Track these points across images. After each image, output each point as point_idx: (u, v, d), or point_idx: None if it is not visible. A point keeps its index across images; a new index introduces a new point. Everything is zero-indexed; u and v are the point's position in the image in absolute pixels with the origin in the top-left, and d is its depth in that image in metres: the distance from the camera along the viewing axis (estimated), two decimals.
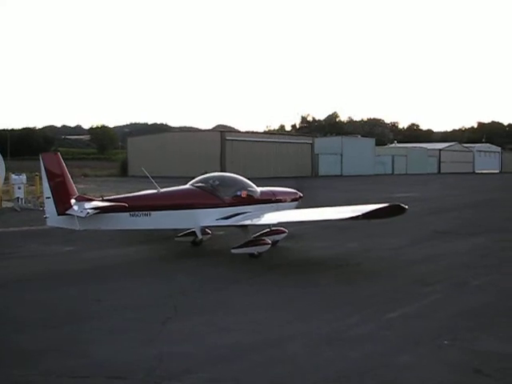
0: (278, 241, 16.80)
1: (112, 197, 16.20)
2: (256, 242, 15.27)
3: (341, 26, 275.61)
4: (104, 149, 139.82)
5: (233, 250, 14.92)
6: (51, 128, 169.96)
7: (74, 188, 14.90)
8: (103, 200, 15.10)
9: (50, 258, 15.58)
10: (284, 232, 16.79)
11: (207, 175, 17.40)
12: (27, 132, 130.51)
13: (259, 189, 17.53)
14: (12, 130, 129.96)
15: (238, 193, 16.72)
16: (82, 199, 14.47)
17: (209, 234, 17.56)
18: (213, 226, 16.66)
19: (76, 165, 78.46)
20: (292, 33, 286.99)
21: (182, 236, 17.13)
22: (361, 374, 7.10)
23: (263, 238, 15.51)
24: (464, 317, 9.74)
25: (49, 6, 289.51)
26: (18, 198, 28.46)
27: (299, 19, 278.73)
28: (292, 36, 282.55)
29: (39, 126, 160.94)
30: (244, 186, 17.14)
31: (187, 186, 16.89)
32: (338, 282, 12.37)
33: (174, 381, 6.83)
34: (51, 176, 14.39)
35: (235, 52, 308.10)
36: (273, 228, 16.04)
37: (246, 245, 15.04)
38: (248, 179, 17.93)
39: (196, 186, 16.68)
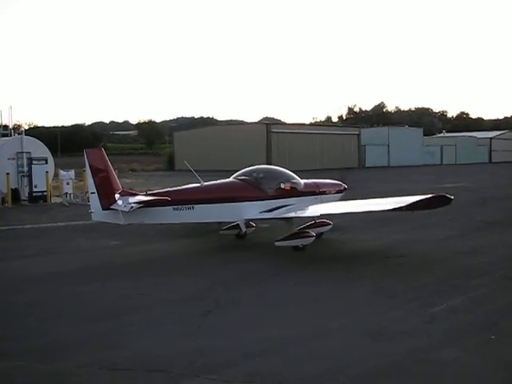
0: (322, 233, 16.69)
1: (156, 191, 16.33)
2: (300, 234, 15.16)
3: (386, 15, 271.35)
4: (151, 143, 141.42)
5: (276, 243, 14.85)
6: (100, 124, 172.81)
7: (119, 183, 15.11)
8: (147, 194, 15.23)
9: (96, 253, 15.85)
10: (329, 224, 16.66)
11: (250, 168, 17.36)
12: (76, 128, 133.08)
13: (303, 181, 17.41)
14: (62, 126, 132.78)
15: (282, 185, 16.64)
16: (126, 194, 14.65)
17: (253, 226, 17.54)
18: (256, 219, 16.62)
19: (124, 160, 79.91)
20: (337, 23, 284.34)
21: (226, 229, 17.17)
22: (401, 370, 6.94)
23: (307, 230, 15.38)
24: None
25: (98, 6, 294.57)
26: (66, 193, 29.10)
27: (347, 10, 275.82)
28: (338, 26, 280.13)
29: (88, 122, 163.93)
30: (287, 179, 17.04)
31: (230, 179, 16.91)
32: (382, 275, 12.13)
33: (213, 374, 6.82)
34: (95, 171, 14.61)
35: (282, 44, 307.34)
36: (317, 220, 15.91)
37: (290, 237, 14.95)
38: (292, 171, 17.83)
39: (239, 179, 16.68)
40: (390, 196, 16.54)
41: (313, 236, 15.11)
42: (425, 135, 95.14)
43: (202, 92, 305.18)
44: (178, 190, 16.01)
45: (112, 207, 14.18)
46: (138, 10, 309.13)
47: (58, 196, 30.95)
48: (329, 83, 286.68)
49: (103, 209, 14.33)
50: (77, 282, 12.13)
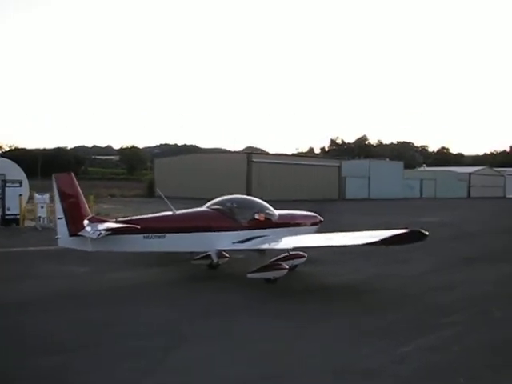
0: (296, 265, 16.36)
1: (126, 218, 15.97)
2: (273, 266, 14.83)
3: (371, 49, 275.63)
4: (133, 169, 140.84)
5: (249, 275, 14.51)
6: (82, 148, 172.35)
7: (87, 209, 14.75)
8: (117, 221, 14.85)
9: (63, 280, 15.38)
10: (303, 257, 16.36)
11: (224, 197, 17.07)
12: (58, 152, 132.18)
13: (277, 212, 17.14)
14: (44, 149, 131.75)
15: (256, 216, 16.37)
16: (94, 220, 14.29)
17: (227, 257, 17.19)
18: (229, 250, 16.28)
19: (104, 185, 79.41)
20: (321, 56, 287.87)
21: (198, 259, 16.78)
22: None
23: (280, 262, 15.06)
24: (485, 353, 9.17)
25: (78, 26, 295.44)
26: (39, 217, 28.52)
27: (330, 40, 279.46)
28: (322, 59, 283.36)
29: (71, 145, 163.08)
30: (262, 209, 16.77)
31: (203, 208, 16.60)
32: (352, 311, 11.85)
33: None
34: (64, 196, 14.25)
35: (268, 75, 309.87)
36: (291, 252, 15.64)
37: (263, 269, 14.62)
38: (272, 201, 17.57)
39: (212, 209, 16.38)
40: (367, 229, 16.33)
41: (286, 268, 14.78)
42: (406, 169, 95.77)
43: (186, 120, 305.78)
44: (149, 217, 15.67)
45: (80, 233, 13.79)
46: (123, 32, 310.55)
47: (32, 219, 30.38)
48: (313, 115, 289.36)
49: (70, 235, 13.93)
50: (37, 310, 11.68)
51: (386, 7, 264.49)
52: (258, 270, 14.59)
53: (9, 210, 29.18)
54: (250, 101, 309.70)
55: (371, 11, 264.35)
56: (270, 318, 11.27)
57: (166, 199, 16.19)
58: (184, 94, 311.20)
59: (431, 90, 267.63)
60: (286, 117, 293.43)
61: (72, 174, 14.87)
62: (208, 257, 16.15)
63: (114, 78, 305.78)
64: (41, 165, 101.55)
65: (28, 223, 29.74)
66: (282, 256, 15.45)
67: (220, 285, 14.72)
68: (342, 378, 7.81)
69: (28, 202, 32.03)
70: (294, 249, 15.14)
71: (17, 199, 29.03)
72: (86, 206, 14.85)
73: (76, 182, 14.58)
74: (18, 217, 29.29)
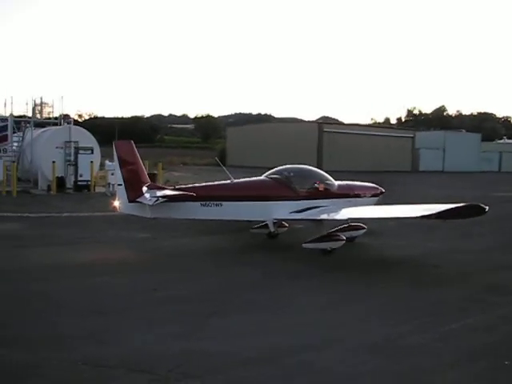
0: (355, 237, 16.13)
1: (185, 186, 16.15)
2: (330, 237, 14.67)
3: (450, 15, 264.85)
4: (208, 138, 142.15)
5: (304, 245, 14.43)
6: (158, 117, 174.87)
7: (147, 176, 15.00)
8: (175, 189, 15.05)
9: (123, 245, 15.86)
10: (363, 228, 16.11)
11: (283, 167, 16.96)
12: (135, 120, 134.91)
13: (337, 182, 16.90)
14: (121, 118, 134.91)
15: (315, 185, 16.22)
16: (153, 187, 14.54)
17: (286, 227, 17.16)
18: (285, 220, 16.23)
19: (178, 153, 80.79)
20: (399, 23, 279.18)
21: (257, 228, 16.84)
22: None
23: (338, 233, 14.88)
24: None
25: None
26: (109, 183, 29.32)
27: (408, 8, 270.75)
28: (400, 26, 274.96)
29: (147, 114, 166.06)
30: (320, 179, 16.58)
31: (261, 177, 16.57)
32: (407, 285, 11.59)
33: (194, 379, 6.54)
34: (124, 164, 14.55)
35: (345, 46, 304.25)
36: (351, 223, 15.42)
37: (319, 240, 14.48)
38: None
39: (270, 178, 16.33)
40: (432, 202, 15.82)
41: (343, 239, 14.59)
42: (484, 141, 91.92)
43: (262, 89, 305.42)
44: (207, 185, 15.80)
45: (138, 200, 14.09)
46: (196, 7, 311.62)
47: (104, 186, 31.33)
48: (390, 84, 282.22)
49: (129, 201, 14.26)
50: (90, 273, 12.10)
51: None
52: (314, 241, 14.47)
53: (81, 176, 30.22)
54: (327, 71, 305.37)
55: None
56: (319, 288, 11.23)
57: (223, 167, 16.29)
58: (261, 63, 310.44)
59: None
60: (362, 87, 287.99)
61: (132, 141, 15.12)
62: (266, 226, 16.16)
63: (191, 48, 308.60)
64: (118, 133, 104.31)
65: (99, 189, 30.68)
66: (340, 227, 15.28)
67: (276, 254, 14.76)
68: (379, 352, 7.65)
69: (101, 170, 33.04)
70: (350, 220, 14.89)
71: (88, 166, 29.99)
72: (146, 173, 15.12)
73: (135, 150, 14.83)
74: (89, 183, 30.26)
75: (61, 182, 29.79)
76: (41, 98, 35.44)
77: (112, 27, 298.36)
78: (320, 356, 7.48)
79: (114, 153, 14.65)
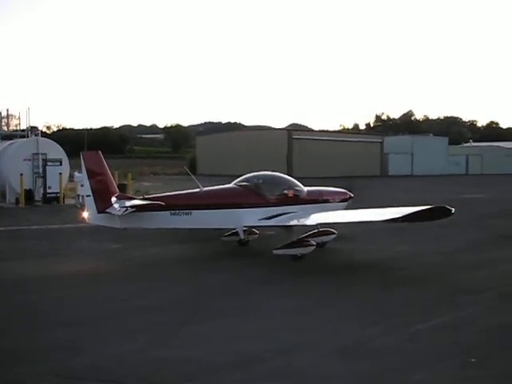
0: (326, 242, 16.24)
1: (154, 195, 16.13)
2: (300, 243, 14.77)
3: (418, 22, 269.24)
4: (178, 147, 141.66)
5: (275, 251, 14.51)
6: (128, 127, 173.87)
7: (115, 186, 14.96)
8: (144, 198, 15.02)
9: (94, 256, 15.76)
10: (333, 233, 16.22)
11: (251, 174, 17.04)
12: (104, 131, 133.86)
13: (306, 188, 17.04)
14: (90, 129, 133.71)
15: (284, 192, 16.32)
16: (122, 198, 14.52)
17: (256, 234, 17.22)
18: (255, 226, 16.30)
19: (148, 163, 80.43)
20: (368, 30, 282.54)
21: (228, 236, 16.88)
22: None
23: (308, 239, 15.00)
24: (503, 333, 8.94)
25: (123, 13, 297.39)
26: (78, 195, 29.06)
27: (373, 13, 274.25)
28: (369, 33, 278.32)
29: (116, 125, 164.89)
30: (289, 186, 16.69)
31: (231, 184, 16.63)
32: (374, 288, 11.76)
33: None
34: (92, 174, 14.51)
35: (312, 52, 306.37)
36: (320, 229, 15.55)
37: (289, 246, 14.59)
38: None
39: (239, 185, 16.39)
40: (394, 205, 16.04)
41: (313, 245, 14.70)
42: (451, 144, 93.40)
43: (231, 98, 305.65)
44: (176, 194, 15.79)
45: (107, 211, 14.04)
46: (166, 15, 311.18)
47: (73, 198, 31.04)
48: (357, 91, 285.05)
49: (99, 212, 14.21)
50: (63, 285, 12.02)
51: None
52: (284, 247, 14.57)
53: (50, 188, 29.92)
54: (294, 77, 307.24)
55: None
56: (288, 295, 11.29)
57: (192, 176, 16.33)
58: (227, 71, 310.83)
59: (479, 63, 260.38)
60: (330, 93, 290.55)
61: (99, 152, 15.07)
62: (237, 233, 16.20)
63: (159, 57, 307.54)
64: (87, 144, 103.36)
65: (69, 201, 30.39)
66: (310, 232, 15.39)
67: (245, 261, 14.81)
68: (348, 355, 7.75)
69: (71, 181, 32.76)
70: (320, 225, 15.01)
71: (57, 178, 29.70)
72: (114, 183, 15.08)
73: (103, 160, 14.80)
74: (58, 195, 29.97)
75: (29, 194, 29.49)
76: (7, 110, 35.06)
77: (78, 36, 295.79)
78: (292, 360, 7.54)
79: (82, 164, 14.60)
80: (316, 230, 15.45)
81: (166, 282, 12.38)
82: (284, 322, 9.42)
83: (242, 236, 15.97)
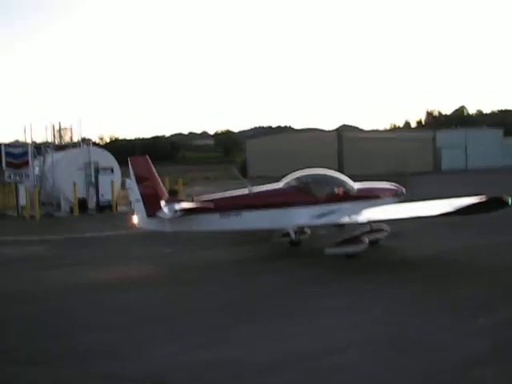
0: (378, 239, 15.93)
1: (203, 198, 16.09)
2: (352, 241, 14.50)
3: (468, 15, 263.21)
4: (228, 152, 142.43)
5: (327, 250, 14.28)
6: (179, 136, 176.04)
7: (164, 191, 14.98)
8: (193, 201, 14.99)
9: (146, 260, 15.83)
10: (385, 230, 15.91)
11: (300, 173, 16.78)
12: (155, 140, 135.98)
13: (356, 185, 16.69)
14: (142, 139, 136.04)
15: (333, 189, 16.04)
16: (171, 201, 14.50)
17: (306, 233, 16.98)
18: (306, 226, 16.06)
19: (199, 169, 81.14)
20: (414, 28, 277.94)
21: (280, 236, 16.68)
22: None
23: (360, 237, 14.71)
24: None
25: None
26: (131, 201, 29.38)
27: (424, 12, 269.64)
28: (416, 30, 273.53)
29: (167, 134, 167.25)
30: (339, 183, 16.38)
31: (279, 184, 16.44)
32: (430, 285, 11.35)
33: None
34: (140, 179, 14.57)
35: (360, 54, 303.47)
36: (372, 226, 15.22)
37: (341, 244, 14.34)
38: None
39: (288, 184, 16.17)
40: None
41: (365, 243, 14.38)
42: (507, 136, 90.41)
43: (281, 101, 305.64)
44: (225, 196, 15.70)
45: (157, 214, 14.06)
46: (210, 28, 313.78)
47: (126, 205, 31.41)
48: (408, 88, 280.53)
49: (148, 216, 14.25)
50: (119, 289, 12.13)
51: None
52: (336, 245, 14.34)
53: (102, 196, 30.41)
54: (346, 80, 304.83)
55: None
56: (341, 291, 11.07)
57: (240, 176, 16.22)
58: (278, 76, 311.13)
59: None
60: (380, 92, 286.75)
61: (147, 156, 15.14)
62: (288, 234, 16.00)
63: (206, 66, 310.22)
64: (139, 153, 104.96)
65: (122, 208, 30.77)
66: (363, 230, 15.10)
67: (298, 262, 14.59)
68: (406, 350, 7.48)
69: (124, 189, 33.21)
70: (371, 222, 14.67)
71: (109, 186, 30.15)
72: (163, 187, 15.11)
73: (151, 165, 14.84)
74: (111, 203, 30.42)
75: (83, 203, 29.99)
76: (59, 124, 35.81)
77: (129, 51, 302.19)
78: (348, 357, 7.37)
79: (130, 169, 14.69)
80: (368, 228, 15.15)
81: (216, 285, 12.29)
82: (336, 320, 9.18)
83: (293, 236, 15.72)
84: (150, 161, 14.95)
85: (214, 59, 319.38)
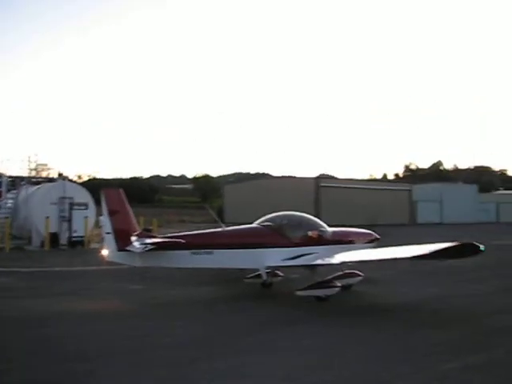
0: (351, 285, 15.79)
1: (175, 234, 15.89)
2: (324, 284, 14.36)
3: (446, 67, 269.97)
4: (206, 197, 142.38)
5: (298, 292, 14.09)
6: (157, 178, 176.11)
7: (136, 225, 14.76)
8: (164, 237, 14.78)
9: (114, 295, 15.54)
10: (359, 275, 15.81)
11: (275, 214, 16.71)
12: (134, 181, 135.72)
13: (331, 229, 16.62)
14: (120, 178, 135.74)
15: (308, 232, 15.94)
16: (143, 236, 14.26)
17: (280, 276, 16.79)
18: (278, 267, 15.87)
19: (176, 212, 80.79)
20: (398, 79, 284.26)
21: (251, 277, 16.47)
22: None
23: (333, 280, 14.57)
24: None
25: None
26: (103, 238, 29.00)
27: (396, 63, 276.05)
28: (397, 83, 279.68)
29: (146, 175, 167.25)
30: (314, 226, 16.30)
31: (254, 224, 16.31)
32: (402, 330, 11.23)
33: None
34: (112, 212, 14.38)
35: (341, 104, 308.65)
36: (346, 271, 15.11)
37: (313, 287, 14.17)
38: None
39: (263, 225, 16.05)
40: None
41: (338, 287, 14.27)
42: (481, 192, 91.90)
43: (260, 148, 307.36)
44: (198, 233, 15.54)
45: (127, 248, 13.81)
46: (193, 70, 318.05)
47: (98, 242, 31.03)
48: (386, 141, 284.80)
49: (118, 249, 14.00)
50: (80, 322, 11.84)
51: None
52: (307, 288, 14.17)
53: (75, 231, 29.99)
54: (326, 130, 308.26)
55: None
56: (308, 333, 10.86)
57: (214, 215, 16.07)
58: (257, 124, 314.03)
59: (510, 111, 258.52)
60: (358, 144, 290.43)
61: (120, 190, 14.98)
62: (260, 275, 15.78)
63: (189, 110, 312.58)
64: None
65: (95, 245, 30.34)
66: (335, 274, 14.98)
67: (267, 302, 14.38)
68: None
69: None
70: (344, 264, 14.56)
71: (83, 222, 29.77)
72: (135, 222, 14.89)
73: (124, 198, 14.67)
74: (83, 239, 29.98)
75: (54, 237, 29.59)
76: (36, 156, 35.55)
77: (110, 90, 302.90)
78: None
79: (102, 201, 14.47)
80: (341, 272, 15.05)
81: (185, 322, 12.00)
82: (306, 359, 8.99)
83: (265, 277, 15.50)
84: (123, 194, 14.76)
85: (197, 104, 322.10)
